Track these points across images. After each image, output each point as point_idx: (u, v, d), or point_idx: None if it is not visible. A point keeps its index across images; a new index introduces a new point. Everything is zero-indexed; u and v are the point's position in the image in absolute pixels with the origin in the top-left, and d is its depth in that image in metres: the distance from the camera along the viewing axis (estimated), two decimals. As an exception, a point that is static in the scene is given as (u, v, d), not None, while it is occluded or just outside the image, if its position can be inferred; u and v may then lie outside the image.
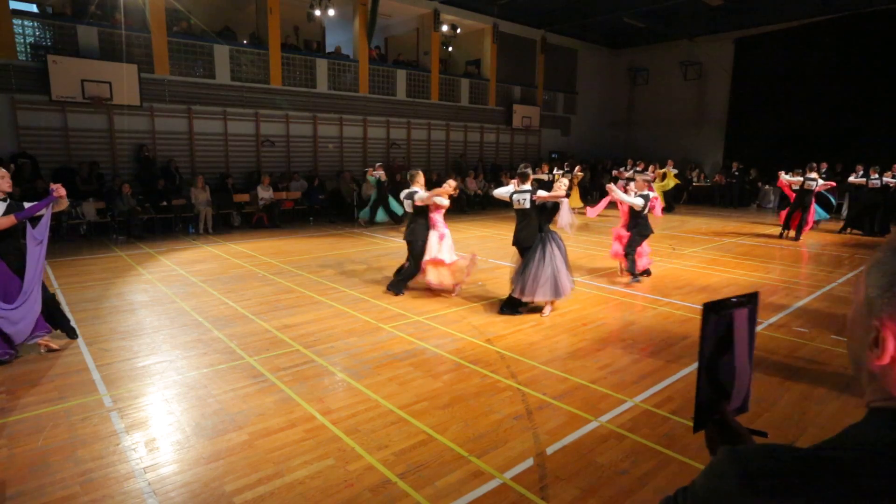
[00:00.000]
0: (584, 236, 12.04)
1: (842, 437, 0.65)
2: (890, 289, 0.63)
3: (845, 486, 0.58)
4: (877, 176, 12.62)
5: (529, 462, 3.13)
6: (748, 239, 11.69)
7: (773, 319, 5.83)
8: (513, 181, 6.03)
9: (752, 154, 18.51)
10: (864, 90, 16.25)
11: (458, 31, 17.08)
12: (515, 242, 6.04)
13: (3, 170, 4.65)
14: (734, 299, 1.03)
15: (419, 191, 6.61)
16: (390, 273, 7.95)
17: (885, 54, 15.75)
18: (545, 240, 5.82)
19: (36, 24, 11.34)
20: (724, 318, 1.02)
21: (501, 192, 6.16)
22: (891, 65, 15.69)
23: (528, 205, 5.83)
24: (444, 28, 16.63)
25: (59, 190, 4.58)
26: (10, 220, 4.49)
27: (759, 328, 5.51)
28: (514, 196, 5.93)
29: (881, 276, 0.65)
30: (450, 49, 18.27)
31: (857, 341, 0.69)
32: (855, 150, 15.76)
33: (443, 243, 6.63)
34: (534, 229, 5.84)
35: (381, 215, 12.56)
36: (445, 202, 6.62)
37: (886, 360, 0.64)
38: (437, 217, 6.67)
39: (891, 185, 12.65)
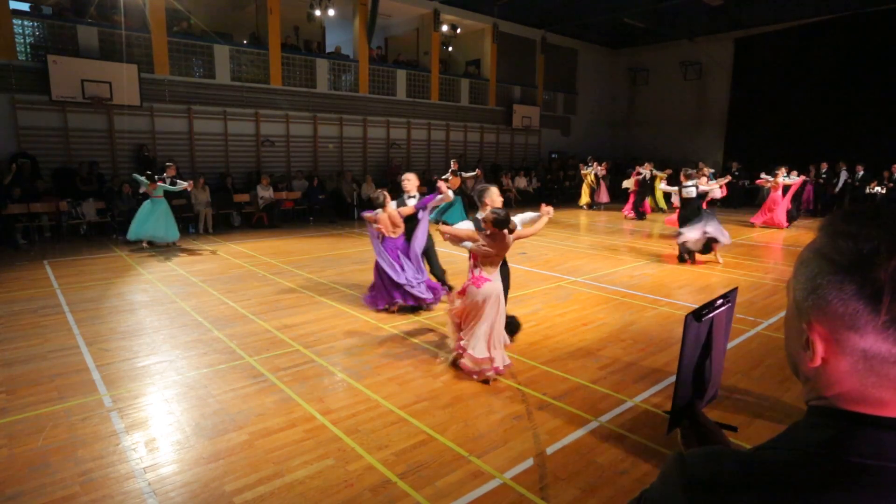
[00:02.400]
0: (586, 237, 12.04)
1: (782, 437, 0.66)
2: (814, 291, 0.63)
3: (779, 487, 0.60)
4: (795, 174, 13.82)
5: (529, 462, 3.13)
6: (748, 239, 11.69)
7: (772, 319, 5.83)
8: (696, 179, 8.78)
9: (751, 154, 18.51)
10: (865, 90, 16.24)
11: (458, 31, 17.08)
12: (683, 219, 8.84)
13: (412, 174, 6.57)
14: (720, 301, 1.05)
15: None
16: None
17: (886, 54, 15.74)
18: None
19: (36, 24, 11.33)
20: (705, 323, 1.04)
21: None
22: (891, 65, 15.69)
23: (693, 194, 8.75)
24: (444, 28, 16.63)
25: (443, 189, 6.34)
26: (411, 209, 6.23)
27: (759, 328, 5.52)
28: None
29: (805, 278, 0.65)
30: (450, 49, 18.26)
31: (792, 343, 0.69)
32: (855, 150, 15.76)
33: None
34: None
35: (149, 230, 9.53)
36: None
37: (818, 362, 0.64)
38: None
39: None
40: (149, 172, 9.82)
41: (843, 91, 16.61)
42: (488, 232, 4.10)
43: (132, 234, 9.54)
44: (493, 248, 4.14)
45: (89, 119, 11.58)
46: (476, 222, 4.35)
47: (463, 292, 4.29)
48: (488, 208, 4.35)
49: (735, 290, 1.12)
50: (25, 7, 11.80)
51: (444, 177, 12.38)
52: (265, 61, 13.83)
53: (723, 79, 19.64)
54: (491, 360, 4.16)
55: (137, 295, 6.69)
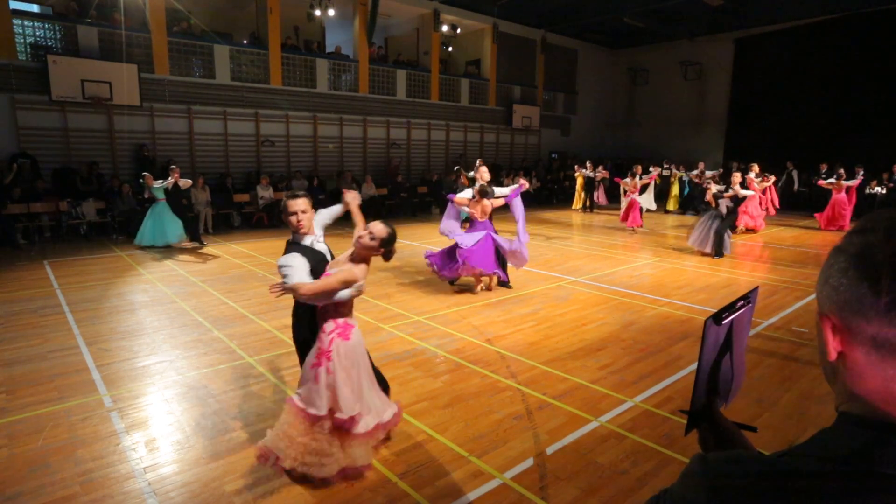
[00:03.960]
0: (584, 236, 12.03)
1: (809, 444, 0.65)
2: (827, 281, 0.65)
3: (806, 498, 0.58)
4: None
5: (529, 462, 3.13)
6: (748, 238, 11.69)
7: (773, 319, 5.83)
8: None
9: (751, 154, 18.51)
10: (865, 90, 16.24)
11: (458, 31, 17.08)
12: None
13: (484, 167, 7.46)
14: (740, 302, 1.04)
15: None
16: (390, 273, 7.95)
17: (886, 54, 15.75)
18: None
19: (36, 24, 11.34)
20: (725, 325, 1.03)
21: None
22: (891, 65, 15.69)
23: None
24: (444, 28, 16.63)
25: (524, 184, 7.10)
26: (502, 200, 6.89)
27: (759, 328, 5.52)
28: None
29: (822, 271, 0.67)
30: (450, 49, 18.27)
31: (819, 342, 0.70)
32: (855, 150, 15.75)
33: (338, 373, 2.84)
34: None
35: (158, 236, 9.53)
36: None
37: (833, 355, 0.64)
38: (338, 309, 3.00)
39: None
40: (145, 174, 9.76)
41: (844, 91, 16.61)
42: (354, 259, 2.94)
43: (140, 240, 9.61)
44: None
45: (89, 119, 11.57)
46: (298, 248, 3.09)
47: (321, 359, 2.86)
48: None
49: (756, 289, 1.11)
50: (26, 7, 11.81)
51: (469, 174, 12.36)
52: (265, 61, 13.83)
53: (723, 79, 19.64)
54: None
55: (137, 295, 6.69)
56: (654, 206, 14.32)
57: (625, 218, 12.71)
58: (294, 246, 3.03)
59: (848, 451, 0.60)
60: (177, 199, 9.89)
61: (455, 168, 11.42)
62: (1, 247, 9.65)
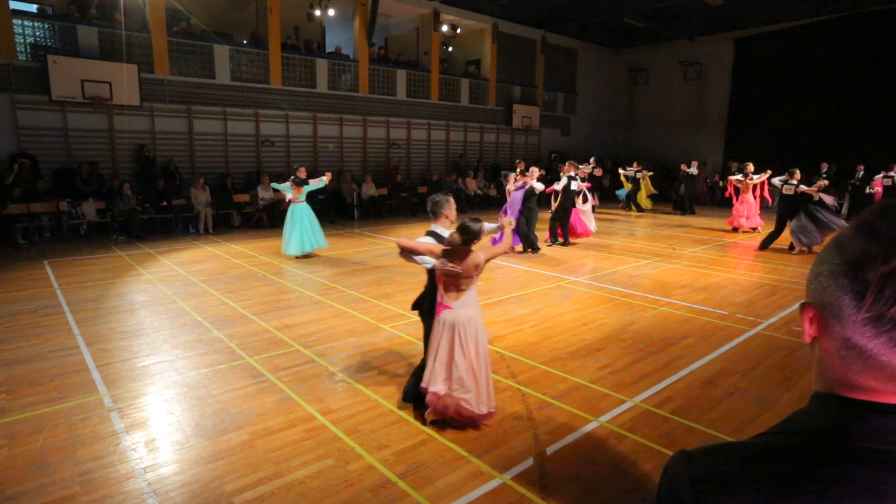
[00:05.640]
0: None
1: (786, 423, 0.69)
2: (817, 277, 0.67)
3: (783, 474, 0.62)
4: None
5: (529, 462, 3.13)
6: (750, 238, 11.68)
7: (773, 319, 5.83)
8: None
9: (751, 154, 18.51)
10: (864, 90, 16.24)
11: (458, 31, 17.07)
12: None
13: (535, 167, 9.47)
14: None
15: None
16: (391, 273, 7.95)
17: (886, 54, 15.74)
18: None
19: (36, 24, 11.33)
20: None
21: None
22: (891, 65, 15.69)
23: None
24: (444, 28, 16.63)
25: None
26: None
27: (759, 328, 5.52)
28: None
29: (818, 262, 0.69)
30: (450, 49, 18.26)
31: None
32: (855, 149, 15.75)
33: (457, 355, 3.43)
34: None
35: (302, 243, 8.90)
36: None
37: (807, 339, 0.69)
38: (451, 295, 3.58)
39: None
40: (294, 178, 9.06)
41: (843, 91, 16.61)
42: (449, 248, 3.49)
43: (292, 249, 8.88)
44: (459, 268, 3.45)
45: (89, 119, 11.57)
46: (436, 237, 3.75)
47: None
48: (447, 221, 3.86)
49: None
50: (26, 7, 11.80)
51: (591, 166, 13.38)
52: (265, 61, 13.83)
53: (723, 79, 19.64)
54: (454, 399, 3.41)
55: (137, 295, 6.68)
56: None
57: (576, 231, 10.71)
58: (436, 235, 3.76)
59: (820, 427, 0.65)
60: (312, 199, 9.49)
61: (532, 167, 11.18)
62: (1, 247, 9.65)
